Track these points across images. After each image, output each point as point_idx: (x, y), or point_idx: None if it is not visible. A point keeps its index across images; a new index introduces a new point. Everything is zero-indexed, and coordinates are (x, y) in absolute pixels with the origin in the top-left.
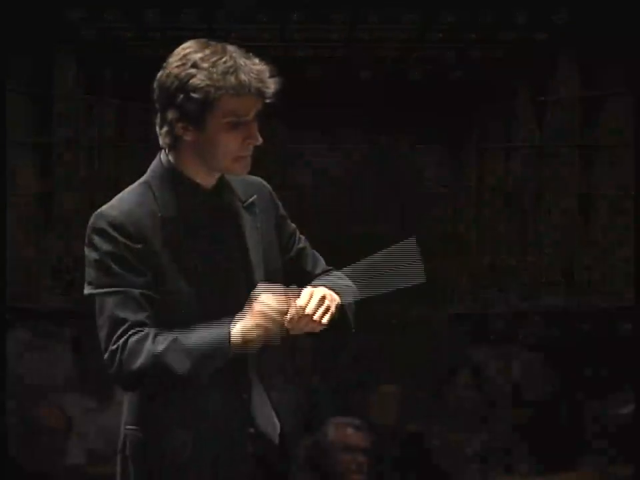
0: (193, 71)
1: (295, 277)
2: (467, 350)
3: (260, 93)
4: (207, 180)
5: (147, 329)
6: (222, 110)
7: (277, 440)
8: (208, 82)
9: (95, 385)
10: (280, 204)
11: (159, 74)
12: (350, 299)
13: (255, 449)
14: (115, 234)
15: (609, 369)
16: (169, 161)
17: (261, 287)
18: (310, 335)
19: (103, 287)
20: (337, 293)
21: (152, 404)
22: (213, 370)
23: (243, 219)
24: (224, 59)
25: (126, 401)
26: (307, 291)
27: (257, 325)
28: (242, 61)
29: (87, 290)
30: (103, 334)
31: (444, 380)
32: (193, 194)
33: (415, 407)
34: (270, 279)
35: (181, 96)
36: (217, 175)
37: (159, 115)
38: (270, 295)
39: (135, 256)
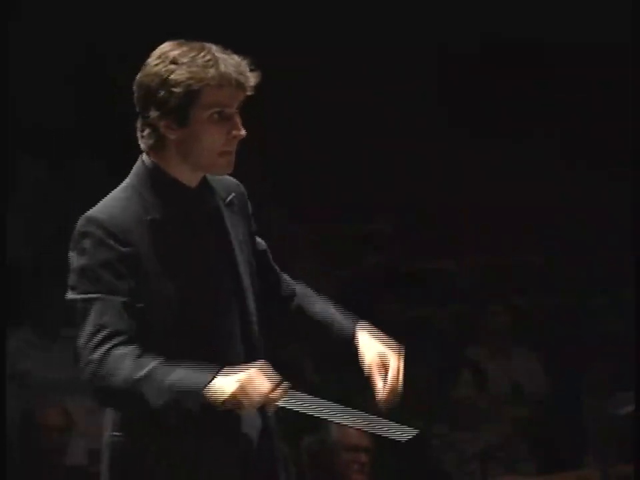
0: (172, 67)
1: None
2: (467, 350)
3: (240, 85)
4: (191, 180)
5: (129, 346)
6: (204, 103)
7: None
8: (188, 75)
9: None
10: (250, 206)
11: (138, 75)
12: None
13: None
14: (104, 237)
15: (608, 369)
16: (152, 162)
17: (261, 364)
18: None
19: (86, 293)
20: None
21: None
22: (183, 412)
23: (225, 217)
24: (202, 54)
25: (109, 411)
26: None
27: (234, 395)
28: (220, 54)
29: (70, 295)
30: (82, 340)
31: (444, 379)
32: (179, 194)
33: (415, 407)
34: (252, 277)
35: (162, 92)
36: (201, 175)
37: (139, 118)
38: (263, 377)
39: (123, 260)
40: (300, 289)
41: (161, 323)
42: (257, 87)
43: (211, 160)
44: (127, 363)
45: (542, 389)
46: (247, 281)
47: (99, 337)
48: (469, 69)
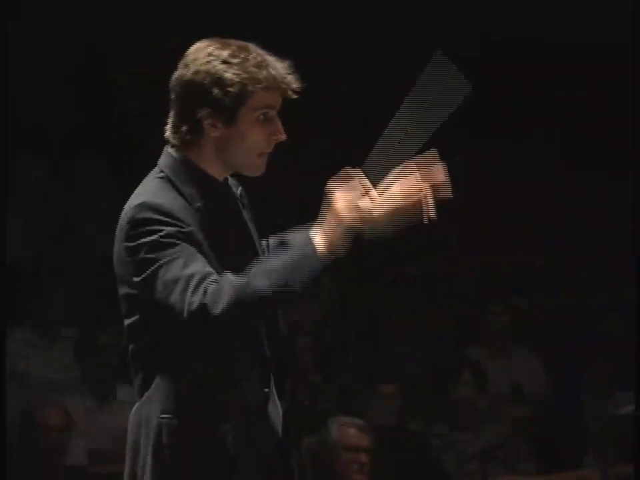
0: (223, 66)
1: None
2: (467, 350)
3: (286, 88)
4: (219, 175)
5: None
6: (253, 104)
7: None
8: (245, 75)
9: (95, 385)
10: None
11: (181, 73)
12: None
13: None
14: (168, 219)
15: (609, 369)
16: (183, 156)
17: (335, 183)
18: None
19: (164, 258)
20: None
21: (192, 391)
22: (308, 280)
23: (242, 211)
24: (252, 55)
25: (157, 391)
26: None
27: (338, 222)
28: (267, 57)
29: (145, 274)
30: (175, 296)
31: (444, 379)
32: (212, 186)
33: (415, 407)
34: None
35: (216, 91)
36: (230, 172)
37: (176, 114)
38: (345, 191)
39: (186, 235)
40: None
41: None
42: (298, 92)
43: (250, 160)
44: (227, 280)
45: (542, 389)
46: None
47: (192, 282)
48: (468, 69)
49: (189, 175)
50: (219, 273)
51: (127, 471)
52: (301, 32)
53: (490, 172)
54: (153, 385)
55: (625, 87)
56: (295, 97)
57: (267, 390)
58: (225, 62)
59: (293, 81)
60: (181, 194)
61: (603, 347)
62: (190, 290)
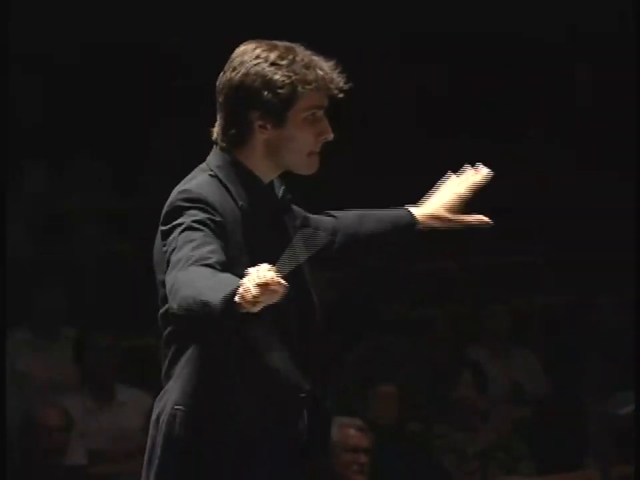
0: (272, 68)
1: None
2: (467, 350)
3: (335, 88)
4: (267, 176)
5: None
6: (302, 105)
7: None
8: (295, 77)
9: (95, 385)
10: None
11: (230, 75)
12: None
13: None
14: (203, 206)
15: (609, 369)
16: (233, 157)
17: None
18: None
19: (185, 240)
20: None
21: (208, 384)
22: (221, 306)
23: (285, 213)
24: (300, 56)
25: (177, 381)
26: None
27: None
28: (314, 57)
29: (168, 257)
30: (168, 276)
31: (444, 379)
32: (259, 188)
33: (415, 407)
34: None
35: (266, 93)
36: (279, 172)
37: (225, 115)
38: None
39: (220, 227)
40: (338, 221)
41: None
42: (345, 92)
43: (300, 160)
44: (186, 278)
45: (542, 389)
46: (307, 274)
47: (182, 263)
48: (468, 69)
49: (237, 176)
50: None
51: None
52: (299, 30)
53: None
54: (174, 375)
55: (629, 86)
56: (341, 96)
57: (303, 395)
58: (273, 64)
59: (340, 81)
60: (229, 192)
61: (603, 347)
62: (174, 270)
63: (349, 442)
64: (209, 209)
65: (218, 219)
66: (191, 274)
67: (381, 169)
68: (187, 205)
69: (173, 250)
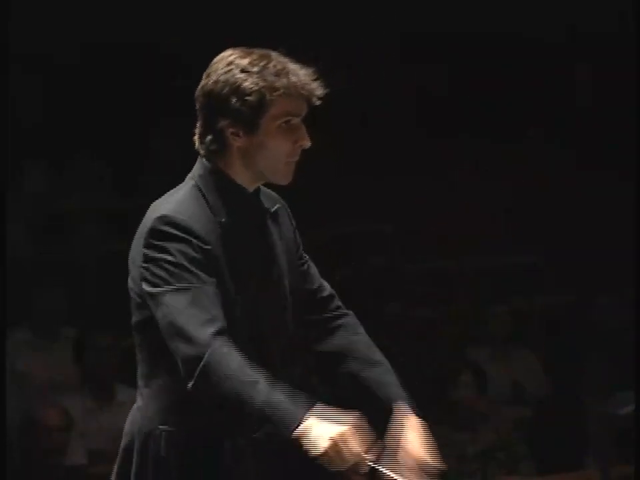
0: (242, 75)
1: (299, 294)
2: (467, 350)
3: (310, 95)
4: (250, 185)
5: (229, 339)
6: (275, 112)
7: None
8: (262, 84)
9: (95, 385)
10: (294, 223)
11: (203, 83)
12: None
13: None
14: (187, 236)
15: (608, 369)
16: (214, 166)
17: (357, 418)
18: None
19: (173, 283)
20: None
21: (187, 401)
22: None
23: (271, 226)
24: (272, 63)
25: (154, 402)
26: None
27: (326, 452)
28: (289, 64)
29: (153, 289)
30: (177, 344)
31: (444, 380)
32: (241, 197)
33: (415, 407)
34: (292, 291)
35: (234, 100)
36: (260, 182)
37: (201, 123)
38: (357, 437)
39: (207, 258)
40: (348, 325)
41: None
42: (324, 98)
43: (275, 168)
44: (234, 362)
45: (542, 389)
46: (287, 290)
47: (202, 320)
48: (468, 69)
49: (217, 184)
50: (228, 298)
51: (116, 470)
52: (298, 29)
53: (490, 172)
54: (153, 390)
55: (629, 86)
56: (318, 103)
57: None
58: (243, 70)
59: (316, 88)
60: (208, 204)
61: (603, 346)
62: (191, 350)
63: None
64: (189, 237)
65: (205, 246)
66: (223, 360)
67: (380, 168)
68: (171, 232)
69: (165, 293)
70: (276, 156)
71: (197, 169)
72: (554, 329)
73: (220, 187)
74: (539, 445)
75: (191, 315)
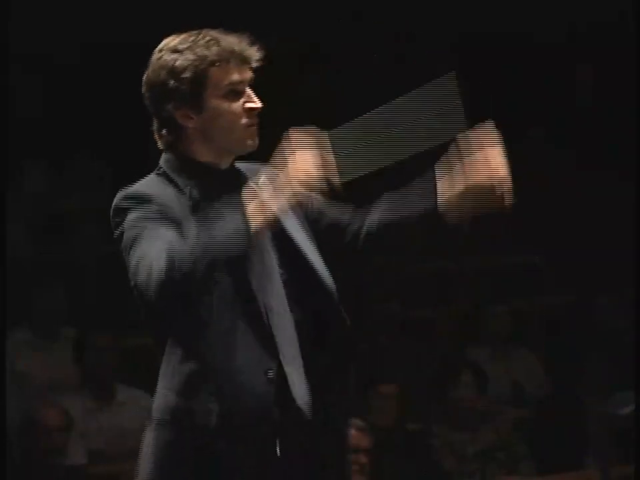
0: (174, 55)
1: (331, 234)
2: (467, 350)
3: (245, 58)
4: (220, 163)
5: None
6: (214, 83)
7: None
8: (193, 57)
9: (95, 385)
10: None
11: (145, 76)
12: None
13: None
14: (146, 202)
15: (609, 369)
16: (179, 152)
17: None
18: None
19: (134, 239)
20: None
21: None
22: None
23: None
24: (201, 36)
25: (160, 381)
26: None
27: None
28: (219, 35)
29: (127, 257)
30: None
31: (444, 379)
32: (211, 175)
33: (415, 407)
34: (282, 261)
35: (172, 82)
36: (230, 158)
37: (155, 119)
38: (307, 158)
39: (164, 215)
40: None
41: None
42: (262, 60)
43: (234, 138)
44: (156, 256)
45: (542, 389)
46: (275, 265)
47: (143, 263)
48: (468, 69)
49: (184, 168)
50: None
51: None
52: (298, 29)
53: None
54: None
55: (629, 86)
56: (257, 65)
57: (270, 374)
58: (174, 51)
59: (252, 50)
60: (177, 186)
61: (603, 346)
62: (137, 273)
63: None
64: (144, 202)
65: (160, 208)
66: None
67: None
68: (125, 204)
69: (130, 251)
70: (230, 125)
71: (162, 159)
72: (554, 329)
73: (187, 169)
74: (539, 445)
75: (150, 245)
